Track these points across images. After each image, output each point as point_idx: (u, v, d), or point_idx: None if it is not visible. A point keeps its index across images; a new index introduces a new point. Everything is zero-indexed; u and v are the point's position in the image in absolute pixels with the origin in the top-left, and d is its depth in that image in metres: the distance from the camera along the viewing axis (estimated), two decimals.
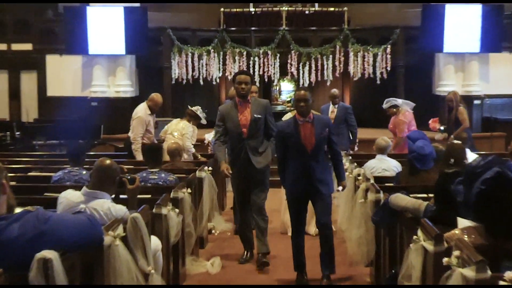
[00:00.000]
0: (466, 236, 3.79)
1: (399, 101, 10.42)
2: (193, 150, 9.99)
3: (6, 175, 3.25)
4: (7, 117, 16.30)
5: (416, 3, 16.39)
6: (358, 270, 7.18)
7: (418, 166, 6.65)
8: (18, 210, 3.38)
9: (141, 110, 9.99)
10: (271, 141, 7.49)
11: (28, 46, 16.59)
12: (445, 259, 3.57)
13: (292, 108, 15.56)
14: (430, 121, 11.54)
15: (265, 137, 7.55)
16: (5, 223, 3.12)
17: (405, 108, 10.31)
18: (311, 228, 8.44)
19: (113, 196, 5.11)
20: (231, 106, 7.56)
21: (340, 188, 7.22)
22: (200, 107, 10.34)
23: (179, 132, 9.87)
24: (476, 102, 15.69)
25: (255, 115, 7.36)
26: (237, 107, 7.44)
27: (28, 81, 16.81)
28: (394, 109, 10.25)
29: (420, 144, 6.73)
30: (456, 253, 3.47)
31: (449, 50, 15.56)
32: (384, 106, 10.41)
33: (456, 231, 3.97)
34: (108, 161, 5.17)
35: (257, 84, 14.68)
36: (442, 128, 11.09)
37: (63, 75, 16.40)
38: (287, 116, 9.12)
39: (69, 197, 5.00)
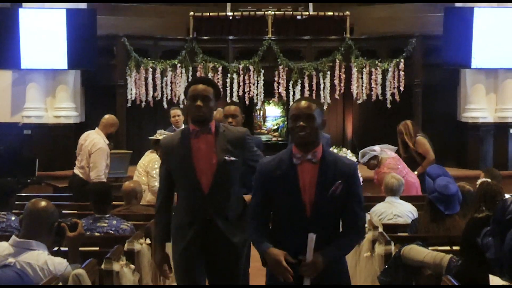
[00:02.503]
0: None
1: (377, 150, 10.39)
2: None
3: None
4: None
5: (438, 8, 16.55)
6: None
7: (442, 210, 6.65)
8: None
9: (99, 140, 10.03)
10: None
11: None
12: None
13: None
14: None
15: (240, 191, 5.62)
16: None
17: (386, 156, 10.35)
18: None
19: (55, 248, 5.09)
20: (181, 138, 5.42)
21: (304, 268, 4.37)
22: (162, 130, 10.30)
23: (143, 168, 9.88)
24: None
25: (226, 157, 5.27)
26: (190, 141, 5.33)
27: None
28: (374, 161, 10.31)
29: (443, 182, 6.74)
30: None
31: (478, 65, 15.60)
32: (361, 160, 10.44)
33: None
34: (43, 203, 5.15)
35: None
36: None
37: None
38: None
39: None
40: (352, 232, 4.59)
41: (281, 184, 4.51)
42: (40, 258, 4.72)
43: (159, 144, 5.70)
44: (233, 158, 5.27)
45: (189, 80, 15.83)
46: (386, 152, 10.40)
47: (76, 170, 10.12)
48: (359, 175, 4.74)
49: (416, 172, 10.43)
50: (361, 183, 4.87)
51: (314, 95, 15.84)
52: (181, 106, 15.21)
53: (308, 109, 4.49)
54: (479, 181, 8.05)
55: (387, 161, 10.20)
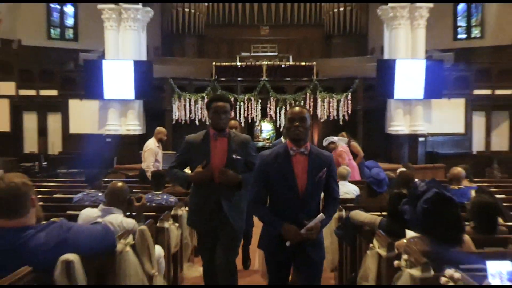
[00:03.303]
0: (413, 244, 3.82)
1: (335, 138, 10.47)
2: None
3: (34, 191, 3.23)
4: (36, 150, 16.28)
5: (373, 59, 16.57)
6: (324, 275, 7.07)
7: (375, 189, 6.67)
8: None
9: (151, 144, 10.25)
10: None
11: (53, 92, 16.59)
12: (396, 262, 3.60)
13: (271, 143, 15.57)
14: None
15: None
16: (33, 231, 3.10)
17: (341, 143, 10.44)
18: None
19: (127, 214, 5.11)
20: (203, 139, 4.94)
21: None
22: None
23: None
24: (421, 139, 15.84)
25: (233, 156, 4.81)
26: (210, 141, 4.87)
27: (54, 121, 16.78)
28: (332, 145, 10.34)
29: (376, 171, 6.76)
30: (405, 257, 3.50)
31: (398, 97, 15.64)
32: (324, 144, 10.45)
33: (405, 240, 4.01)
34: (119, 184, 5.17)
35: (242, 124, 14.73)
36: None
37: (83, 116, 16.35)
38: None
39: (88, 213, 4.99)
40: (333, 201, 4.21)
41: (279, 172, 4.02)
42: (118, 219, 4.74)
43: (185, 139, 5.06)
44: (239, 157, 4.81)
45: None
46: (341, 141, 10.46)
47: (142, 164, 10.29)
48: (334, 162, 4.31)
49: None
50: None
51: None
52: (207, 123, 15.08)
53: (301, 113, 4.09)
54: (398, 171, 8.09)
55: (342, 145, 10.32)
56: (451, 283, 2.71)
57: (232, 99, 15.98)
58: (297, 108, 4.15)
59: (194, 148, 4.86)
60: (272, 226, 4.05)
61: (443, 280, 2.82)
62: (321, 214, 3.92)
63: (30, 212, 3.17)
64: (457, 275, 2.72)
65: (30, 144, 16.71)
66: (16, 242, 3.04)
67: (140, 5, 15.89)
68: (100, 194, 6.96)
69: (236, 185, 4.78)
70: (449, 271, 2.77)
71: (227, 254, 4.85)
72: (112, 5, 15.67)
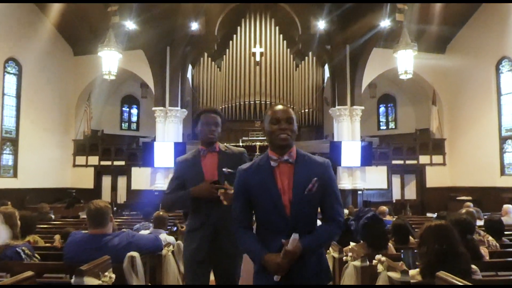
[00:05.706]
0: (355, 248, 3.83)
1: None
2: None
3: (111, 212, 3.28)
4: (109, 200, 16.11)
5: (327, 142, 16.76)
6: None
7: None
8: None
9: None
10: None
11: (122, 163, 16.58)
12: (344, 258, 3.59)
13: None
14: None
15: None
16: (110, 237, 3.13)
17: None
18: None
19: (167, 232, 5.07)
20: (193, 157, 3.14)
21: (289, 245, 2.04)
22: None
23: None
24: (359, 192, 15.70)
25: (223, 169, 2.96)
26: (200, 158, 3.06)
27: (122, 181, 16.66)
28: None
29: None
30: (350, 254, 3.49)
31: (344, 165, 15.59)
32: None
33: (350, 247, 4.00)
34: (161, 213, 5.21)
35: None
36: None
37: (140, 178, 16.23)
38: None
39: (143, 232, 4.96)
40: (332, 225, 2.21)
41: (261, 188, 2.18)
42: (163, 236, 4.72)
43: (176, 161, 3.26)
44: (230, 170, 2.90)
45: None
46: None
47: None
48: (332, 172, 2.38)
49: None
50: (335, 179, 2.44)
51: None
52: None
53: (288, 113, 2.24)
54: (346, 210, 8.10)
55: None
56: (379, 264, 2.71)
57: None
58: (280, 106, 2.25)
59: (186, 167, 3.07)
60: (252, 256, 2.19)
61: (374, 262, 2.82)
62: (294, 234, 2.06)
63: (109, 225, 3.21)
64: (383, 258, 2.73)
65: (106, 196, 16.48)
66: (100, 243, 3.05)
67: (179, 108, 16.17)
68: (151, 224, 6.91)
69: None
70: (378, 256, 2.78)
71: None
72: (161, 108, 15.98)
